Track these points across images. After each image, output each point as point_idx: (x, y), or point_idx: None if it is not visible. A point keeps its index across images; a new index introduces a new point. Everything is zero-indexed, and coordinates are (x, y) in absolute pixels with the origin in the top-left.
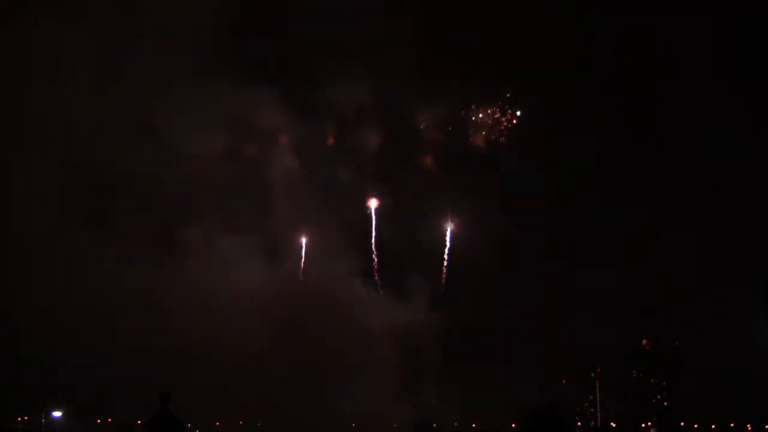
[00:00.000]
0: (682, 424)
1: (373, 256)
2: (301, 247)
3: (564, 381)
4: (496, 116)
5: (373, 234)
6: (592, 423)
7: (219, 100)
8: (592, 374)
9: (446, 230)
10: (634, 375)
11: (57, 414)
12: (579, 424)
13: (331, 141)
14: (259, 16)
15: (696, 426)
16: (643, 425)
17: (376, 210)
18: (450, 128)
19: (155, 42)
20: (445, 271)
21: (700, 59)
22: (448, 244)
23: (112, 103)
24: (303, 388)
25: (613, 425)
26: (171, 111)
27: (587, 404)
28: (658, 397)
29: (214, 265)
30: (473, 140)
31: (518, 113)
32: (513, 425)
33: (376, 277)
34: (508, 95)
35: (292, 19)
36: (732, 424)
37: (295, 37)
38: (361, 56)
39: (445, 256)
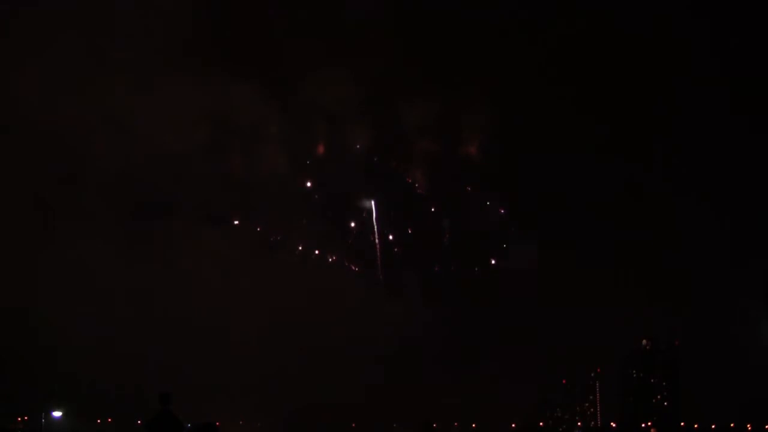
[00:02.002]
0: (682, 424)
1: (371, 254)
2: (298, 243)
3: (564, 381)
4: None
5: (371, 232)
6: (592, 423)
7: (202, 95)
8: (592, 374)
9: (444, 229)
10: (634, 375)
11: (57, 414)
12: (579, 424)
13: (319, 138)
14: (242, 12)
15: (696, 426)
16: (643, 425)
17: (370, 209)
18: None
19: (136, 37)
20: (444, 269)
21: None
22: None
23: (93, 98)
24: (302, 387)
25: (613, 425)
26: (151, 107)
27: (587, 404)
28: (658, 397)
29: (211, 263)
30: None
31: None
32: (513, 425)
33: (375, 274)
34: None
35: (275, 14)
36: (732, 424)
37: (279, 32)
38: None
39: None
